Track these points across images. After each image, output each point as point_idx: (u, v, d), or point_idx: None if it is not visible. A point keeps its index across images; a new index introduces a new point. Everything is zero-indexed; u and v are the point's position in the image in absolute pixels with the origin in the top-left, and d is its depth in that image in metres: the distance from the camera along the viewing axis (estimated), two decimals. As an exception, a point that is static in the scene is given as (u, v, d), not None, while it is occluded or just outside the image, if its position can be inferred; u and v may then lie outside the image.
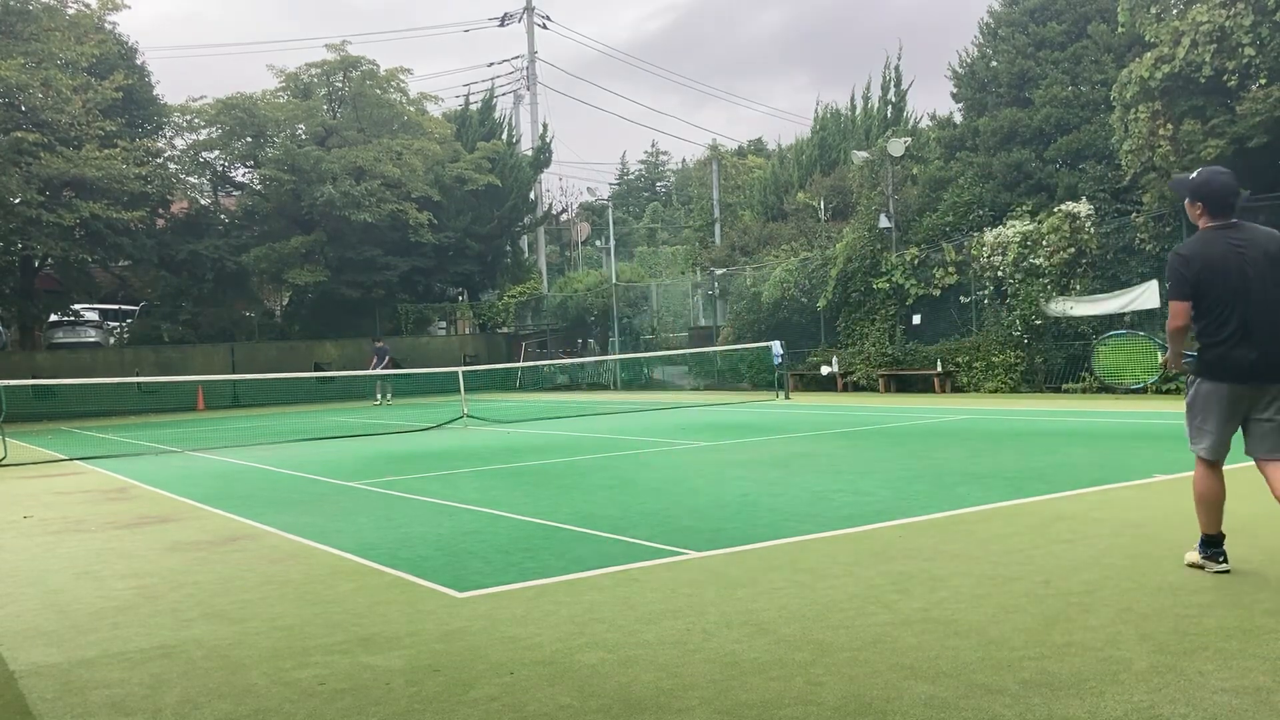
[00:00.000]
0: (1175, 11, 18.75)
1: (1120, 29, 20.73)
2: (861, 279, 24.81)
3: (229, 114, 34.40)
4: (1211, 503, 5.07)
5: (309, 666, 4.32)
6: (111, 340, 36.33)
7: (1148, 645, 4.02)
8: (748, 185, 41.07)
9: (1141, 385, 6.04)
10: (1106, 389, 19.52)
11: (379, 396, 30.17)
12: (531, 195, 42.15)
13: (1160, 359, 5.77)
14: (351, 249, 35.77)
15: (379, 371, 29.21)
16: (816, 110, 37.88)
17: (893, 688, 3.70)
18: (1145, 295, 19.41)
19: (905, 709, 3.49)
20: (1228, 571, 5.05)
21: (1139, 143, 18.78)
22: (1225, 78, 17.66)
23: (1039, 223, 21.28)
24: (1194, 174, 5.31)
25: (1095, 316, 20.26)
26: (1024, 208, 22.17)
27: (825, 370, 25.08)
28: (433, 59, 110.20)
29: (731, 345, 27.98)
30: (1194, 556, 5.22)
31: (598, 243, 58.18)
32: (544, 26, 44.12)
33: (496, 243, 40.56)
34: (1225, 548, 5.09)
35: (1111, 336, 6.69)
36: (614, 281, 35.73)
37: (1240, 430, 5.07)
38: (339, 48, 35.98)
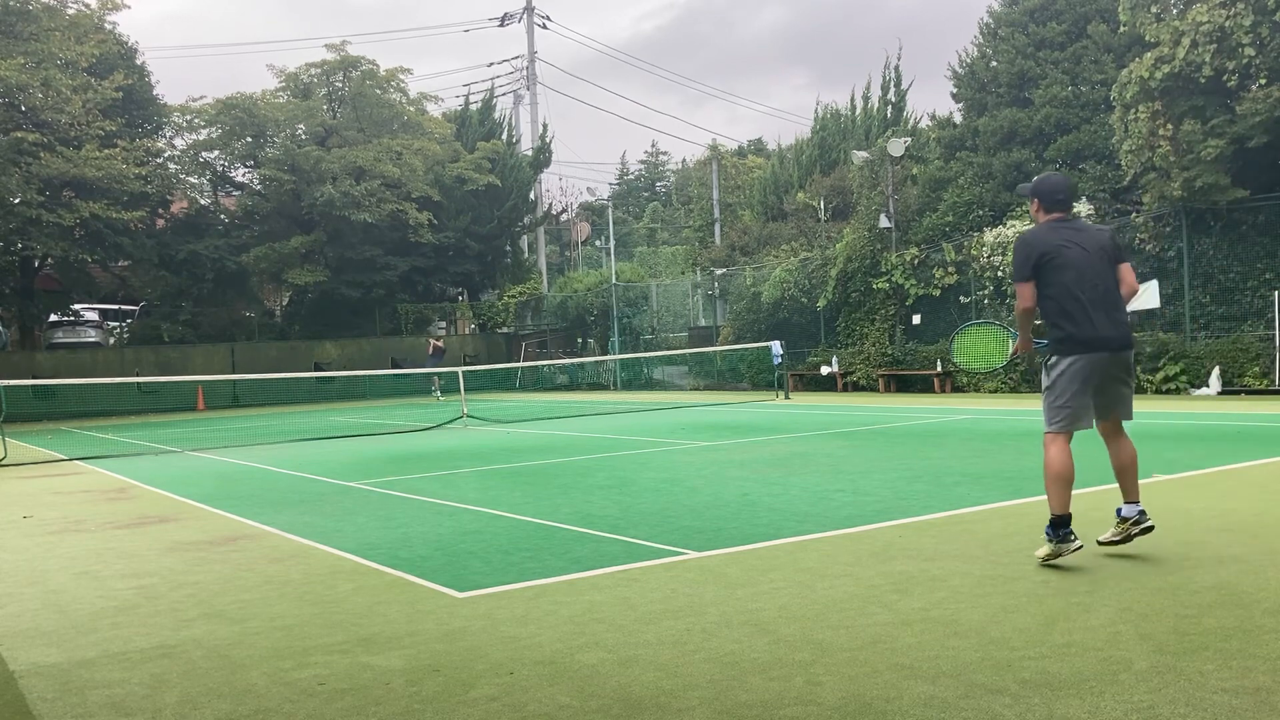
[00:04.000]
0: (1175, 11, 18.75)
1: (1120, 29, 20.74)
2: (861, 279, 24.81)
3: (229, 114, 34.40)
4: (1067, 480, 5.32)
5: (309, 666, 4.32)
6: (111, 340, 36.34)
7: (1148, 645, 4.02)
8: (747, 185, 41.06)
9: (993, 369, 6.48)
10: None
11: (436, 391, 30.78)
12: (531, 195, 42.15)
13: (1011, 345, 6.10)
14: (351, 249, 35.77)
15: (435, 369, 29.67)
16: (816, 110, 37.87)
17: (893, 688, 3.70)
18: (1145, 295, 19.41)
19: (905, 709, 3.49)
20: (1080, 547, 5.26)
21: (1139, 143, 18.78)
22: (1225, 78, 17.66)
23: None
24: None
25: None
26: (1024, 208, 22.16)
27: (825, 370, 25.08)
28: (433, 59, 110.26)
29: (731, 345, 27.99)
30: (1044, 549, 5.34)
31: (598, 243, 58.18)
32: (544, 26, 44.16)
33: (496, 243, 40.56)
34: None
35: (969, 325, 7.03)
36: (614, 281, 35.73)
37: (1096, 402, 5.48)
38: (339, 48, 35.99)
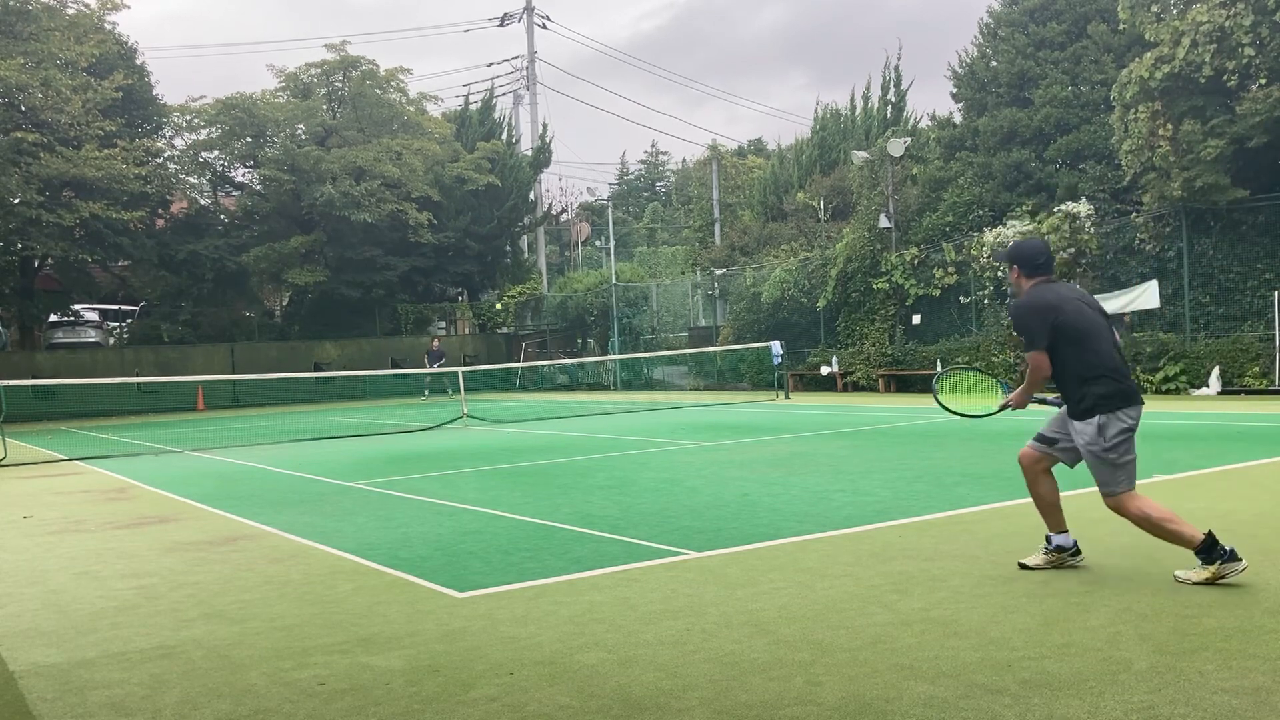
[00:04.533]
0: (1175, 11, 18.75)
1: (1120, 29, 20.74)
2: (861, 279, 24.81)
3: (229, 114, 34.39)
4: (1175, 514, 5.15)
5: (309, 666, 4.32)
6: (111, 340, 36.33)
7: (1148, 645, 4.02)
8: (747, 185, 41.05)
9: (980, 416, 6.11)
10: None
11: (449, 390, 30.86)
12: (531, 195, 42.14)
13: (1002, 396, 5.83)
14: (351, 249, 35.77)
15: (434, 370, 29.69)
16: (816, 110, 37.88)
17: (893, 688, 3.70)
18: (1145, 295, 19.42)
19: (905, 709, 3.49)
20: (1245, 567, 4.96)
21: (1139, 143, 18.78)
22: (1225, 78, 17.66)
23: (1039, 223, 21.28)
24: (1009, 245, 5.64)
25: (1095, 316, 20.26)
26: (1024, 208, 22.18)
27: (825, 370, 25.08)
28: (433, 59, 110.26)
29: (731, 345, 27.99)
30: (1205, 573, 5.00)
31: (597, 243, 58.17)
32: (544, 26, 44.13)
33: (496, 243, 40.55)
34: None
35: (952, 370, 6.86)
36: (614, 281, 35.72)
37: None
38: (339, 48, 35.98)
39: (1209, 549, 4.89)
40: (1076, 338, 5.11)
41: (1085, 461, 5.16)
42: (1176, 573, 5.03)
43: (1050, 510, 5.39)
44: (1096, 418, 5.03)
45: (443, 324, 42.08)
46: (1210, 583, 4.88)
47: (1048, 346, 5.15)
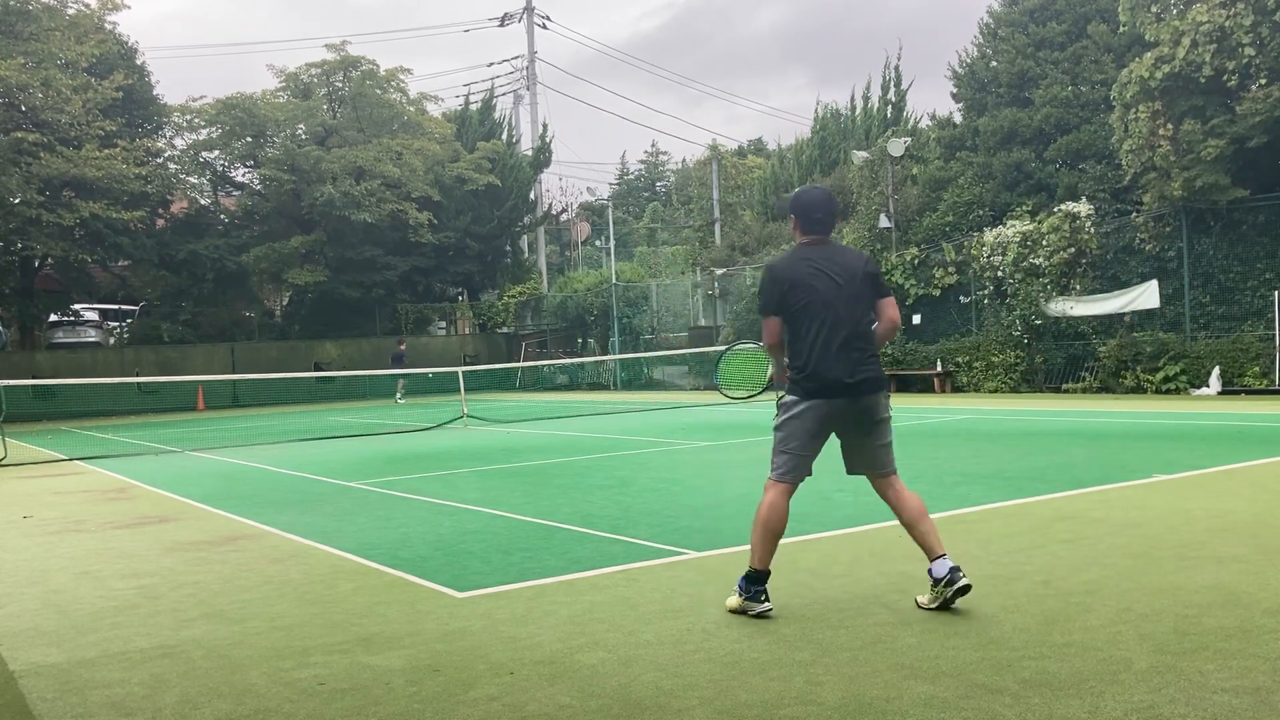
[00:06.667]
0: (1175, 11, 18.76)
1: (1120, 29, 20.75)
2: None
3: (229, 114, 34.40)
4: (776, 532, 4.78)
5: (309, 666, 4.31)
6: (111, 340, 36.32)
7: (1148, 645, 4.02)
8: (748, 185, 41.09)
9: (747, 396, 5.87)
10: (1106, 389, 19.54)
11: (397, 396, 30.91)
12: (531, 195, 42.15)
13: (769, 372, 5.41)
14: (351, 249, 35.78)
15: (398, 371, 29.67)
16: (816, 110, 37.89)
17: (893, 688, 3.70)
18: (1145, 295, 19.43)
19: (905, 709, 3.49)
20: (770, 614, 4.65)
21: (1139, 143, 18.79)
22: (1225, 78, 17.67)
23: (1039, 223, 21.29)
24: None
25: (1095, 316, 20.28)
26: (1024, 208, 22.18)
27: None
28: (433, 59, 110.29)
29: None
30: (734, 600, 4.78)
31: (598, 243, 58.17)
32: (544, 26, 44.14)
33: (496, 243, 40.56)
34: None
35: (738, 348, 6.49)
36: (614, 281, 35.73)
37: (844, 451, 4.95)
38: (339, 48, 36.00)
39: (752, 581, 4.72)
40: (796, 312, 4.76)
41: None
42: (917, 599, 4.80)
43: (910, 533, 4.93)
44: (785, 396, 4.86)
45: (443, 324, 42.10)
46: (735, 611, 4.71)
47: (780, 314, 4.82)
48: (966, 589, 4.56)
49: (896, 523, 6.90)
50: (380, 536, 7.33)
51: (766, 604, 4.68)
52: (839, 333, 4.70)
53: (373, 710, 3.76)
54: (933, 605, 4.64)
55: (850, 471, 4.95)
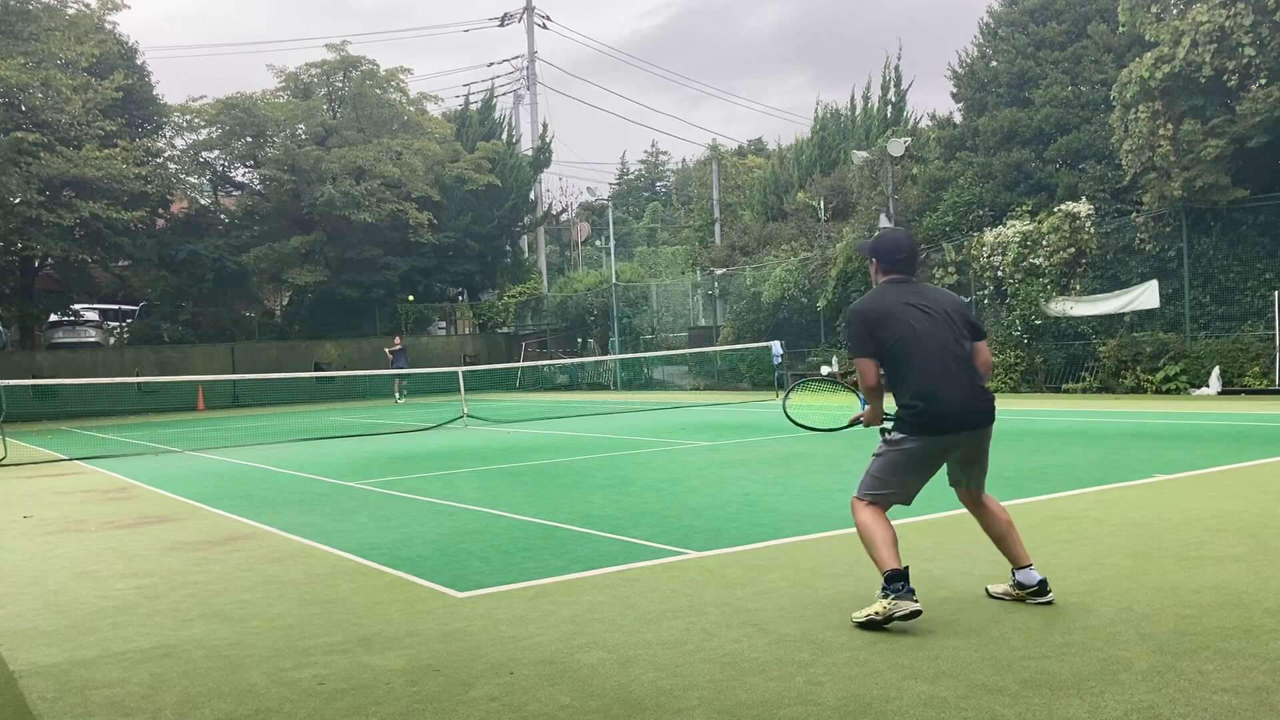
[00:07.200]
0: (1175, 11, 18.76)
1: (1120, 29, 20.74)
2: (861, 279, 24.78)
3: (229, 114, 34.41)
4: (890, 538, 4.61)
5: (309, 666, 4.32)
6: (111, 340, 36.33)
7: (1148, 645, 4.02)
8: (747, 185, 41.08)
9: (828, 431, 5.61)
10: (1106, 389, 19.53)
11: (399, 395, 30.77)
12: (531, 195, 42.16)
13: (860, 414, 5.01)
14: (351, 249, 35.79)
15: (398, 371, 29.59)
16: (816, 110, 37.88)
17: (893, 687, 3.70)
18: (1145, 295, 19.42)
19: (905, 709, 3.49)
20: (920, 613, 4.40)
21: (1139, 143, 18.78)
22: (1225, 78, 17.67)
23: (1039, 223, 21.29)
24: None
25: (1095, 316, 20.27)
26: (1024, 208, 22.18)
27: (825, 370, 25.06)
28: (433, 59, 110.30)
29: (731, 345, 27.99)
30: (876, 607, 4.44)
31: (598, 243, 58.20)
32: (544, 26, 44.17)
33: (496, 243, 40.57)
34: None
35: (806, 382, 6.07)
36: (614, 281, 35.73)
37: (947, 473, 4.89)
38: (339, 47, 36.00)
39: (893, 579, 4.47)
40: (895, 347, 4.64)
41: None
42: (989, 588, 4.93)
43: (999, 545, 4.89)
44: (892, 430, 4.73)
45: (443, 324, 42.09)
46: (873, 622, 4.42)
47: (875, 354, 4.68)
48: (1050, 602, 4.70)
49: (896, 522, 6.92)
50: (380, 536, 7.33)
51: (914, 602, 4.38)
52: (942, 361, 4.62)
53: (373, 710, 3.76)
54: (1005, 597, 4.80)
55: (957, 487, 4.96)
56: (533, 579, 5.71)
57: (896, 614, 4.36)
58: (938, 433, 4.62)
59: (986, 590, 4.93)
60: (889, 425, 4.76)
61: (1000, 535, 4.83)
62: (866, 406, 4.89)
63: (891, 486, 4.72)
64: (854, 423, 5.04)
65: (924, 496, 8.06)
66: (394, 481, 10.66)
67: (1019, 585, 4.75)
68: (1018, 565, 4.77)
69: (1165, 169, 18.44)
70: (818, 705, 3.57)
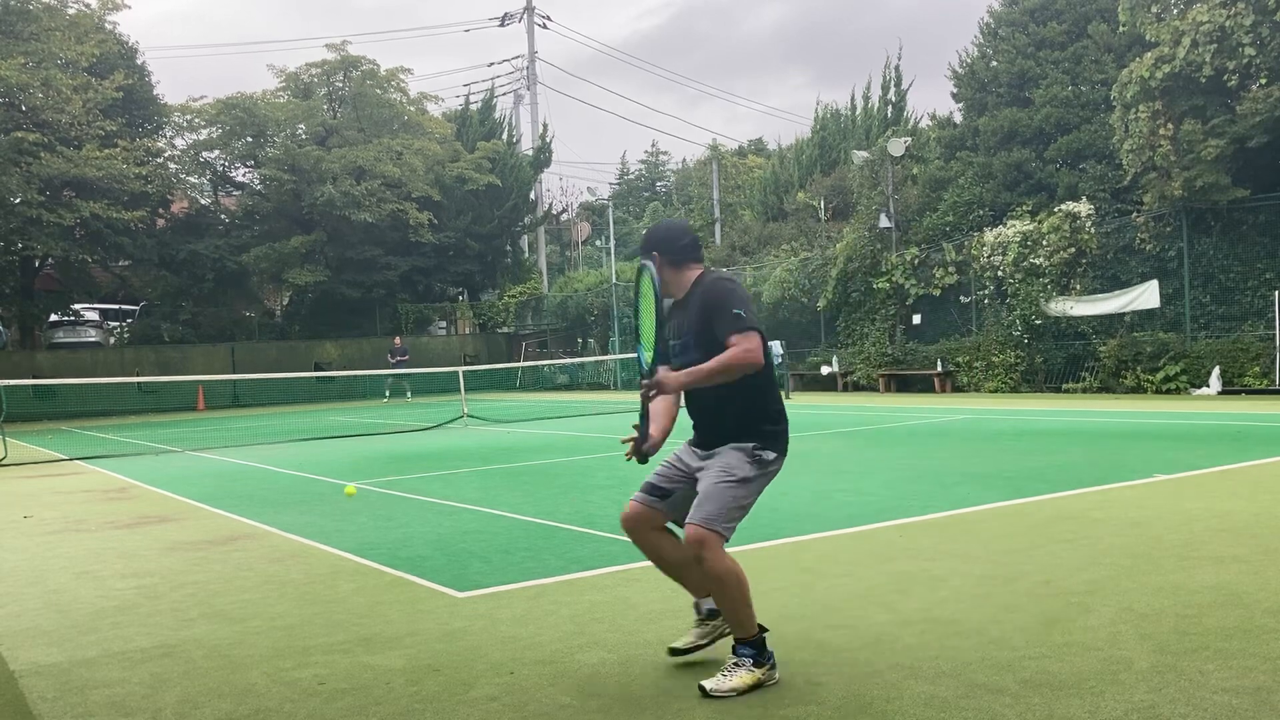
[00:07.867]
0: (1175, 11, 18.76)
1: (1120, 29, 20.74)
2: (861, 279, 24.81)
3: (229, 114, 34.41)
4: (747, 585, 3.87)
5: (309, 666, 4.32)
6: (111, 340, 36.33)
7: (1148, 645, 4.02)
8: (748, 185, 41.09)
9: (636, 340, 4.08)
10: (1106, 389, 19.54)
11: (407, 393, 30.70)
12: (531, 195, 42.15)
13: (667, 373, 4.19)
14: (351, 249, 35.78)
15: (395, 372, 29.55)
16: (816, 110, 37.89)
17: (893, 687, 3.70)
18: (1145, 295, 19.43)
19: (905, 709, 3.49)
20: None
21: (1139, 143, 18.78)
22: (1225, 77, 17.67)
23: (1039, 223, 21.29)
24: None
25: (1095, 316, 20.27)
26: (1024, 208, 22.18)
27: (825, 370, 25.08)
28: (433, 59, 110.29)
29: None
30: (748, 676, 3.71)
31: (598, 242, 58.19)
32: (544, 26, 44.16)
33: (496, 243, 40.56)
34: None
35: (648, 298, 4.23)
36: (614, 281, 35.73)
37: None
38: (339, 47, 36.00)
39: (760, 647, 3.79)
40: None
41: (703, 488, 3.92)
42: (704, 683, 3.73)
43: (685, 572, 4.06)
44: (767, 452, 3.95)
45: (443, 324, 42.09)
46: (749, 688, 3.70)
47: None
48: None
49: (897, 522, 6.94)
50: (380, 536, 7.33)
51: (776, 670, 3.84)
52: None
53: (373, 710, 3.76)
54: (700, 643, 4.07)
55: (679, 518, 4.04)
56: (533, 579, 5.71)
57: (771, 681, 3.78)
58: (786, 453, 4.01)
59: (671, 649, 4.12)
60: (753, 445, 3.94)
61: (686, 561, 3.96)
62: (659, 399, 4.12)
63: (741, 518, 3.93)
64: (648, 386, 4.03)
65: (924, 496, 8.10)
66: (394, 481, 10.66)
67: (710, 615, 4.11)
68: (702, 596, 4.12)
69: (1165, 169, 18.45)
70: (818, 705, 3.57)
